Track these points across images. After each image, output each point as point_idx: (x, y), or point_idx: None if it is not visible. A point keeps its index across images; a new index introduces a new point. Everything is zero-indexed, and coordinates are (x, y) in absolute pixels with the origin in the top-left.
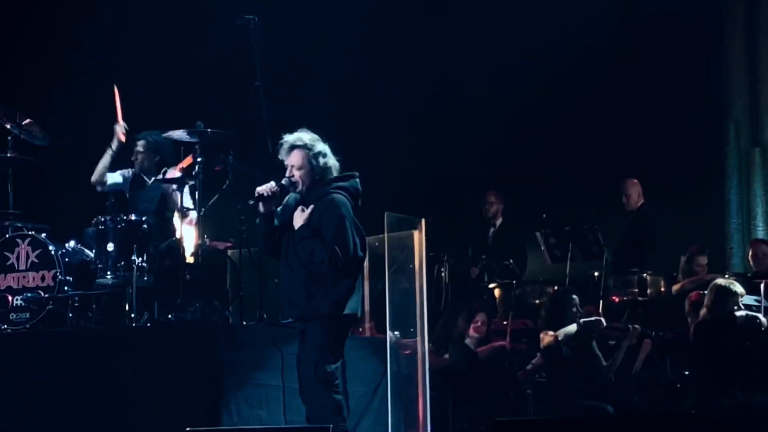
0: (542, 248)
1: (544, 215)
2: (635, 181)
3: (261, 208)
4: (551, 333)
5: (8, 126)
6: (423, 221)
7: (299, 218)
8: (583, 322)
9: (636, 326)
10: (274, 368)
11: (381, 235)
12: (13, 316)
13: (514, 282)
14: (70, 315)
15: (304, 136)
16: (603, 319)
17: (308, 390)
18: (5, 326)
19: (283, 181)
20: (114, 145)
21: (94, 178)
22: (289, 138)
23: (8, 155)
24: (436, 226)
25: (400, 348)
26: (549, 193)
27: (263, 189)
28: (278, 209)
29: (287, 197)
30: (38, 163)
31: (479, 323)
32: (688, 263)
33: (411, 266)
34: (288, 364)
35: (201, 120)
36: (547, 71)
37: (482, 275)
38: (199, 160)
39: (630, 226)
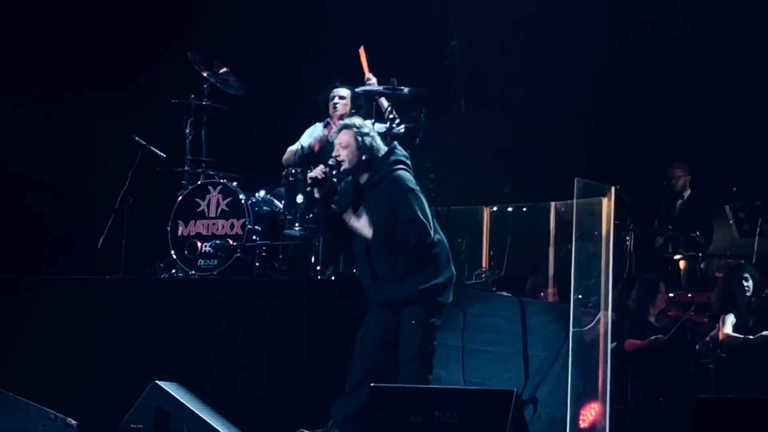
0: (731, 222)
1: (734, 188)
2: None
3: (316, 193)
4: (727, 331)
5: (205, 74)
6: (613, 189)
7: (365, 226)
8: (753, 338)
9: None
10: (456, 328)
11: (569, 201)
12: (201, 262)
13: (700, 255)
14: (257, 264)
15: (356, 119)
16: None
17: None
18: (193, 272)
19: (330, 161)
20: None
21: (285, 160)
22: (340, 122)
23: (204, 103)
24: (623, 194)
25: (583, 315)
26: (741, 166)
27: (315, 172)
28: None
29: (341, 184)
30: (232, 112)
31: (662, 296)
32: None
33: (596, 233)
34: (470, 324)
35: (395, 77)
36: (742, 38)
37: (667, 245)
38: (391, 117)
39: None
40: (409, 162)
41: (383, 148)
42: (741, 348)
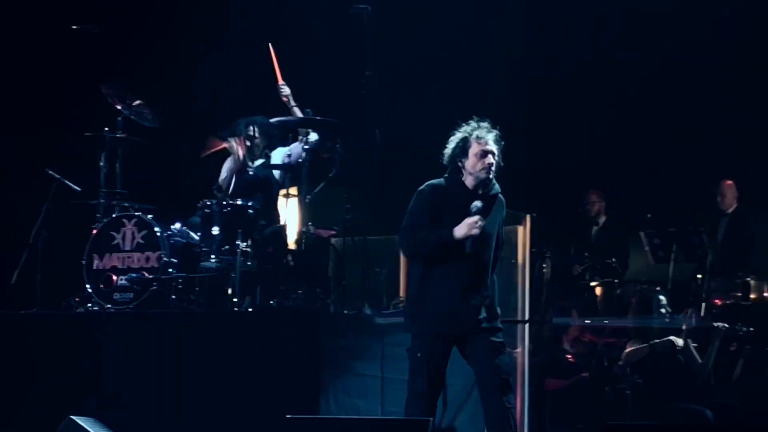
0: (646, 248)
1: (648, 215)
2: (731, 182)
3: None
4: (628, 349)
5: (119, 106)
6: (528, 217)
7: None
8: (656, 342)
9: (723, 324)
10: (374, 358)
11: None
12: (116, 295)
13: (616, 281)
14: (173, 297)
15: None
16: (677, 340)
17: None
18: (109, 305)
19: (478, 206)
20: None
21: (223, 183)
22: (487, 124)
23: (118, 135)
24: (539, 221)
25: None
26: (654, 193)
27: (474, 230)
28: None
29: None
30: (147, 144)
31: (575, 326)
32: None
33: (513, 261)
34: (388, 354)
35: (310, 107)
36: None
37: (584, 273)
38: (307, 147)
39: (725, 230)
40: None
41: None
42: (648, 361)
